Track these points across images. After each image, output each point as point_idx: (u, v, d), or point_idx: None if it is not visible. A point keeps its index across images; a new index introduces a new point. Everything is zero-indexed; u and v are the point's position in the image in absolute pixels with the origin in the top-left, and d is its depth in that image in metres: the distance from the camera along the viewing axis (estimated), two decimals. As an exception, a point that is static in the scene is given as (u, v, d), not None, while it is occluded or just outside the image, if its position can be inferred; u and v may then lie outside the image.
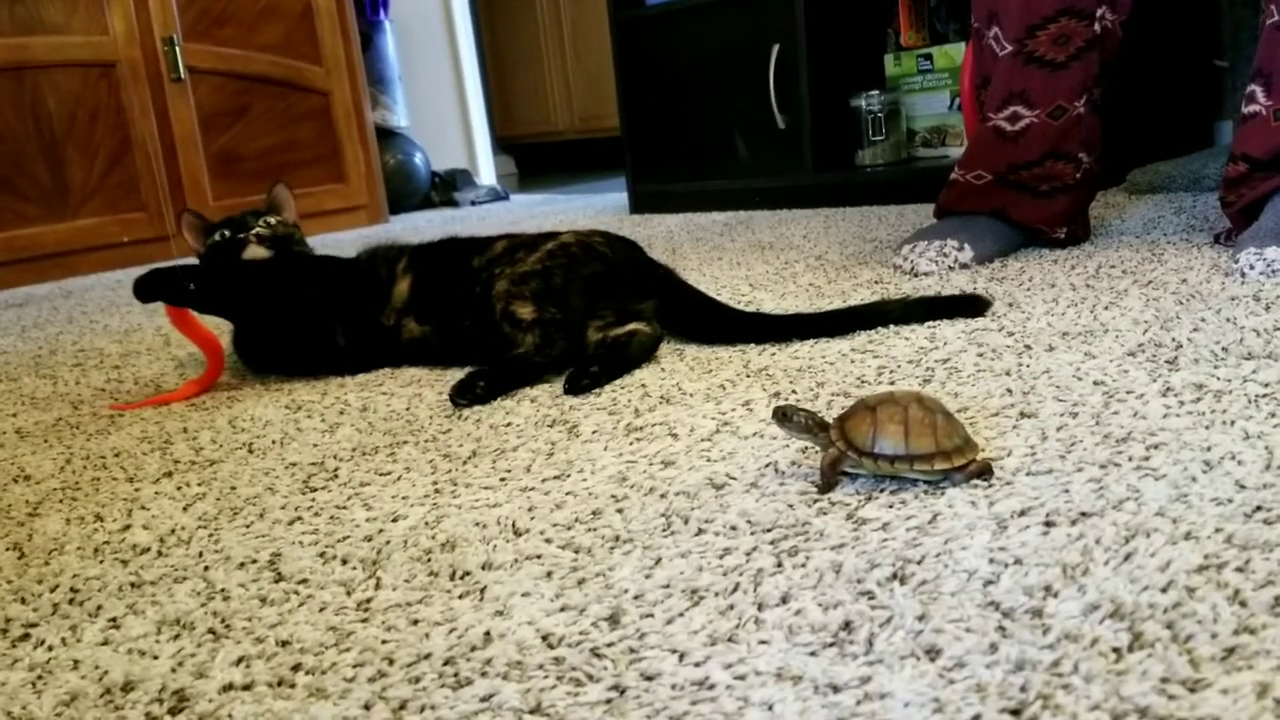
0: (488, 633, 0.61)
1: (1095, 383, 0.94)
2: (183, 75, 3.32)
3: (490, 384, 1.16)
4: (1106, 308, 1.21)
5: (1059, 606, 0.56)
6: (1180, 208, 1.87)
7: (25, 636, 0.69)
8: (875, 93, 2.58)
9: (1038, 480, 0.74)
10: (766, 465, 0.83)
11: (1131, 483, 0.71)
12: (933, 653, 0.54)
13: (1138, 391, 0.90)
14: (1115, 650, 0.52)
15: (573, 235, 1.33)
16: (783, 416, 0.79)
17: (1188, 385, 0.90)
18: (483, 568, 0.71)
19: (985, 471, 0.75)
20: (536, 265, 1.27)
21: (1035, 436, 0.82)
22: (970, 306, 1.24)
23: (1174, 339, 1.05)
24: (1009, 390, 0.95)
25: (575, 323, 1.25)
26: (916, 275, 1.53)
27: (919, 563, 0.63)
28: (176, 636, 0.66)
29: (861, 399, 0.78)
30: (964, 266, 1.54)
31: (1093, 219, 1.71)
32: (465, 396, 1.14)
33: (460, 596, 0.67)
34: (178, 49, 3.30)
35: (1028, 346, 1.09)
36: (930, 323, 1.22)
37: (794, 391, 1.03)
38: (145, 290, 1.32)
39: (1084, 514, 0.67)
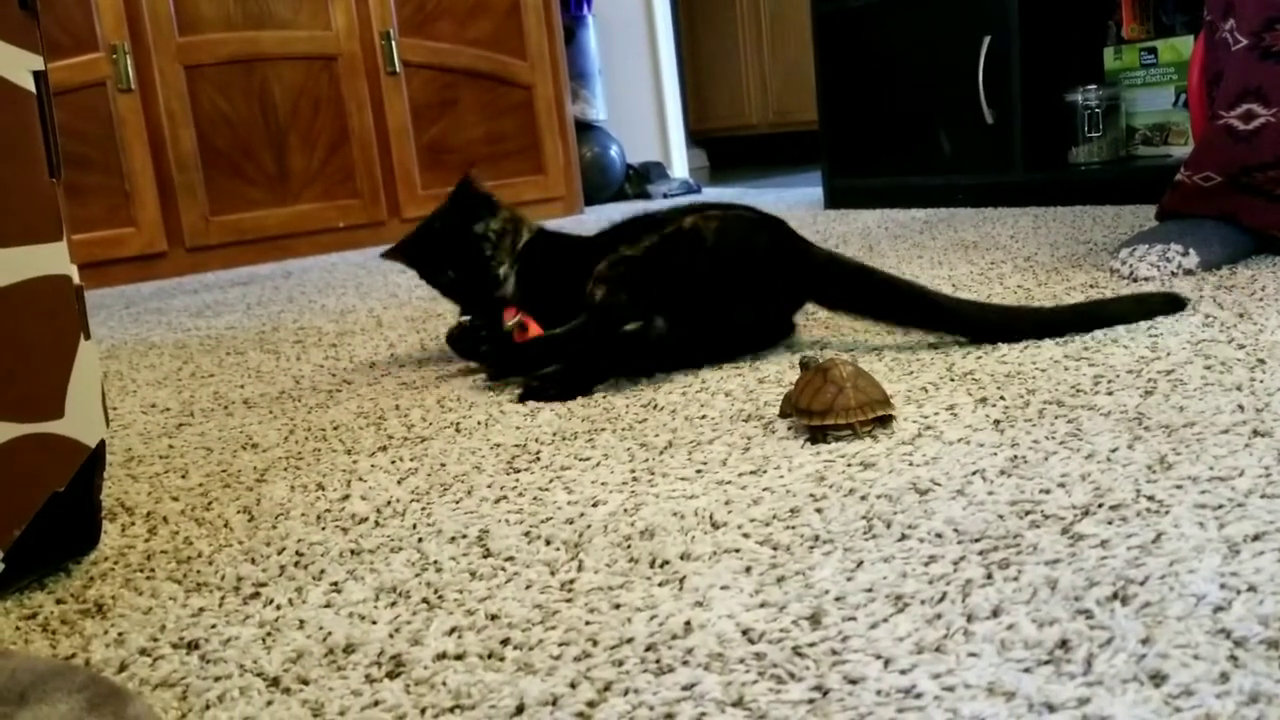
0: (688, 622, 0.62)
1: (1340, 402, 0.87)
2: (397, 69, 3.48)
3: (499, 363, 1.31)
4: (1352, 322, 1.12)
5: (1300, 641, 0.53)
6: None
7: (255, 595, 0.74)
8: (1093, 87, 2.46)
9: (1273, 504, 0.69)
10: (973, 473, 0.81)
11: (1385, 513, 0.66)
12: (1157, 678, 0.51)
13: (1391, 414, 0.83)
14: (1367, 693, 0.48)
15: (693, 220, 1.27)
16: (803, 365, 1.00)
17: None
18: (681, 558, 0.72)
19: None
20: (639, 252, 1.26)
21: (1270, 457, 0.77)
22: (1169, 305, 1.24)
23: None
24: (1240, 406, 0.89)
25: (637, 309, 1.21)
26: (1135, 280, 1.45)
27: (1142, 584, 0.60)
28: (393, 604, 0.70)
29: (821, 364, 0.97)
30: (1188, 273, 1.45)
31: (1335, 225, 1.58)
32: (488, 367, 1.32)
33: (660, 584, 0.68)
34: (394, 43, 3.46)
35: (1261, 361, 1.01)
36: (1152, 331, 1.16)
37: (1002, 398, 0.99)
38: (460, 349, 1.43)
39: (1328, 543, 0.63)
